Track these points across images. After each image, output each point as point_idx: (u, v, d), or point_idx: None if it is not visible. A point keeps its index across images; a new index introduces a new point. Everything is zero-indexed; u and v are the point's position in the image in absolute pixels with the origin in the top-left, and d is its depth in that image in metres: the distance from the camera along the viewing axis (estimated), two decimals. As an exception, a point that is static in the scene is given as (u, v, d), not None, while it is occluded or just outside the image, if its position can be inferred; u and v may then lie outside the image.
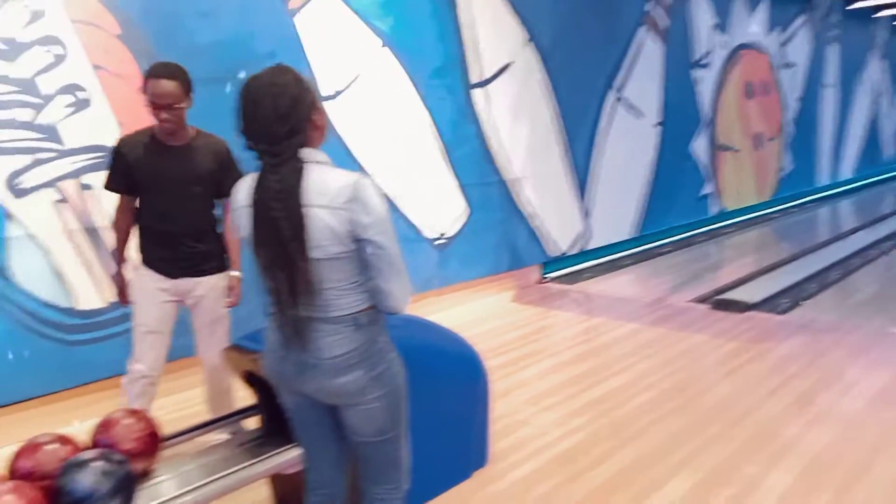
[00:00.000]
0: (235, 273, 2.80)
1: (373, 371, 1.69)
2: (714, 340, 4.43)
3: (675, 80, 7.79)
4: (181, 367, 3.39)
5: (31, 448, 1.86)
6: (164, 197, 2.67)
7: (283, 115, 1.55)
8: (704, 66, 8.37)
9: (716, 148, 8.71)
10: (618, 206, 7.19)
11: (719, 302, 5.28)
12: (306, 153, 1.60)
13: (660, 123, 7.67)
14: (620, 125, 7.05)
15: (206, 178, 2.67)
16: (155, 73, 2.53)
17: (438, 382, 2.58)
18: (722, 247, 8.07)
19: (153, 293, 2.71)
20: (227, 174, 2.62)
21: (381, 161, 4.84)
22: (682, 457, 2.90)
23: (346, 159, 4.55)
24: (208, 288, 2.76)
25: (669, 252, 7.53)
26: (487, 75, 5.57)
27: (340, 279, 1.63)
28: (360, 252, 1.61)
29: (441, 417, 2.60)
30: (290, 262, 1.58)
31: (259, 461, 2.16)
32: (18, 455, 1.86)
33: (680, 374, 3.88)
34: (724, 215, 8.98)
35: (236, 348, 2.42)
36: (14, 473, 1.82)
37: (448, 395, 2.64)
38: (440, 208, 5.30)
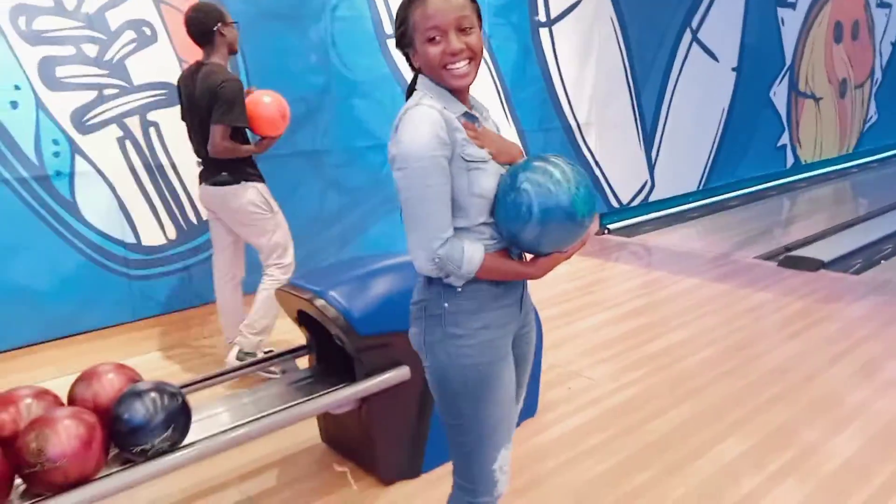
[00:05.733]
0: None
1: (427, 335, 1.48)
2: (781, 299, 4.24)
3: (757, 20, 7.31)
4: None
5: (89, 376, 1.92)
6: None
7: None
8: (791, 4, 7.80)
9: (796, 95, 8.21)
10: (685, 157, 6.90)
11: (788, 259, 5.04)
12: (419, 81, 1.47)
13: (736, 67, 7.25)
14: (694, 69, 6.70)
15: None
16: None
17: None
18: (795, 202, 7.68)
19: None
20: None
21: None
22: (739, 417, 2.81)
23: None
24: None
25: (737, 206, 7.21)
26: (555, 14, 5.33)
27: None
28: None
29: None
30: None
31: (309, 400, 2.19)
32: (77, 382, 1.93)
33: (742, 332, 3.74)
34: (799, 168, 8.52)
35: (290, 288, 2.42)
36: (73, 401, 1.89)
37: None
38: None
